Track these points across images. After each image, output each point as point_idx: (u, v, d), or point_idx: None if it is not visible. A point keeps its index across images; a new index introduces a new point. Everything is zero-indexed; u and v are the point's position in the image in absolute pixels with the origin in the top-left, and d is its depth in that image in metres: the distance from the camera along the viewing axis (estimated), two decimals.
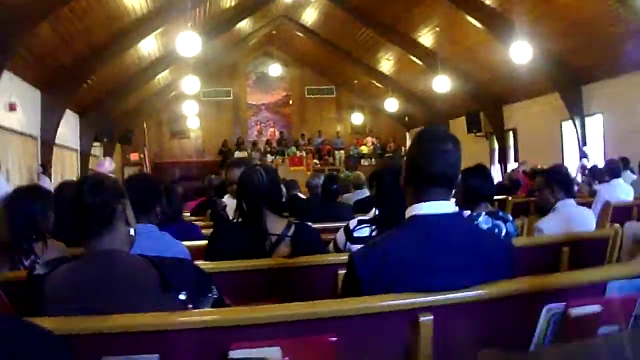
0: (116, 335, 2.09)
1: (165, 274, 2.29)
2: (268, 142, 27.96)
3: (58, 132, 15.68)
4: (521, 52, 13.77)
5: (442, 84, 18.38)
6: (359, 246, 3.22)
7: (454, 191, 4.43)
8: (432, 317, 2.23)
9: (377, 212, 3.85)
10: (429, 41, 19.20)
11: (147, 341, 2.10)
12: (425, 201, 2.41)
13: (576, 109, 16.31)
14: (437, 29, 18.12)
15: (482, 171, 4.49)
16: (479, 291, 2.31)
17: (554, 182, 4.84)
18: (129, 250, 2.47)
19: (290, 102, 29.72)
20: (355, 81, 26.68)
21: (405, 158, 2.56)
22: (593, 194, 9.17)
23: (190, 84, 17.84)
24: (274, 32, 25.96)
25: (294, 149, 26.82)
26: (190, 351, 2.15)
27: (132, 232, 2.48)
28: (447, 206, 2.43)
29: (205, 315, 2.20)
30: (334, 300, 2.33)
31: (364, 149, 28.30)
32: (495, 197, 9.85)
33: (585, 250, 4.22)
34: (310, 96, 29.73)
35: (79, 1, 12.24)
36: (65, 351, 1.51)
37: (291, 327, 2.18)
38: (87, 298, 2.22)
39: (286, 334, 2.16)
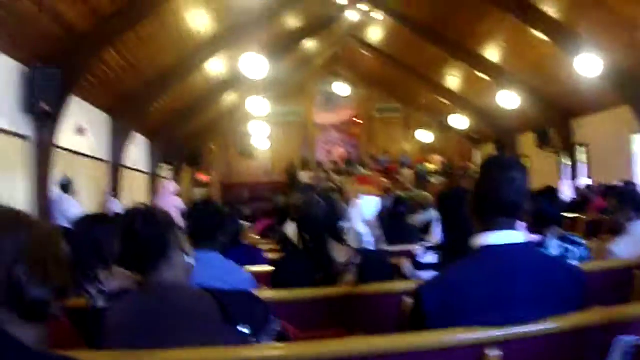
0: None
1: (225, 305, 2.26)
2: (335, 163, 27.84)
3: (128, 155, 15.94)
4: (589, 64, 13.48)
5: (508, 99, 18.10)
6: (426, 273, 3.15)
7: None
8: (499, 352, 2.16)
9: (442, 239, 3.77)
10: (494, 56, 18.95)
11: None
12: (493, 230, 2.35)
13: None
14: (503, 44, 17.90)
15: (550, 194, 4.36)
16: (548, 325, 2.23)
17: (624, 201, 4.68)
18: (186, 278, 2.45)
19: (359, 121, 29.63)
20: (423, 100, 26.47)
21: (473, 187, 2.48)
22: None
23: (258, 104, 18.00)
24: (339, 51, 26.00)
25: (361, 168, 26.65)
26: None
27: (187, 259, 2.46)
28: (516, 236, 2.36)
29: (266, 350, 2.16)
30: (401, 335, 2.27)
31: (430, 167, 27.99)
32: (567, 216, 9.67)
33: None
34: (378, 115, 29.67)
35: (144, 26, 12.44)
36: None
37: None
38: (146, 332, 2.23)
39: None
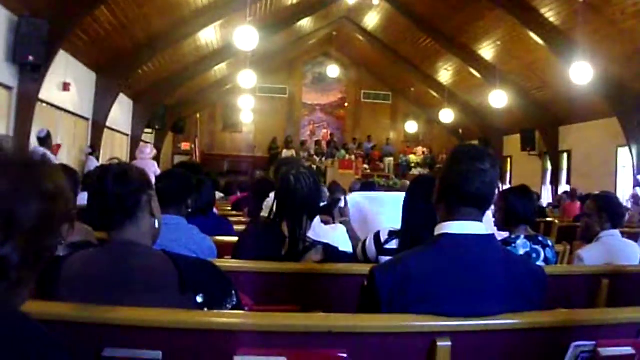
0: (121, 328, 2.05)
1: (184, 273, 2.23)
2: (317, 143, 27.74)
3: (110, 115, 15.86)
4: (582, 72, 13.47)
5: (499, 98, 18.13)
6: (386, 258, 3.12)
7: (492, 211, 4.33)
8: (450, 343, 2.13)
9: (403, 224, 3.73)
10: (489, 55, 18.95)
11: (151, 337, 2.05)
12: (456, 220, 2.31)
13: (634, 136, 15.91)
14: (499, 43, 17.89)
15: (524, 193, 4.34)
16: (503, 320, 2.20)
17: (604, 210, 4.66)
18: (152, 242, 2.42)
19: (346, 104, 29.60)
20: (412, 89, 26.47)
21: (440, 174, 2.45)
22: None
23: (247, 78, 17.85)
24: (334, 33, 25.91)
25: (343, 152, 26.59)
26: (195, 352, 2.10)
27: (156, 224, 2.42)
28: (479, 227, 2.32)
29: (212, 317, 2.14)
30: (348, 315, 2.23)
31: (413, 158, 28.05)
32: (542, 220, 9.69)
33: (626, 285, 4.03)
34: (366, 100, 29.62)
35: None
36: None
37: (301, 338, 2.11)
38: (100, 287, 2.19)
39: (295, 344, 2.08)
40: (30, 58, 10.29)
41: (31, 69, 10.56)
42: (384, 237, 3.80)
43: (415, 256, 2.32)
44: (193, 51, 18.42)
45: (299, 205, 3.51)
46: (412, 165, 27.70)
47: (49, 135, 11.05)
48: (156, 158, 14.03)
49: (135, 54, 15.35)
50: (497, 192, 2.48)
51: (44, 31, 10.26)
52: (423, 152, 28.45)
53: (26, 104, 10.83)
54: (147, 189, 2.37)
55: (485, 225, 2.38)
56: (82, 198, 4.14)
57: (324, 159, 25.64)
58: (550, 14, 14.77)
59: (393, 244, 3.72)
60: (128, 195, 2.28)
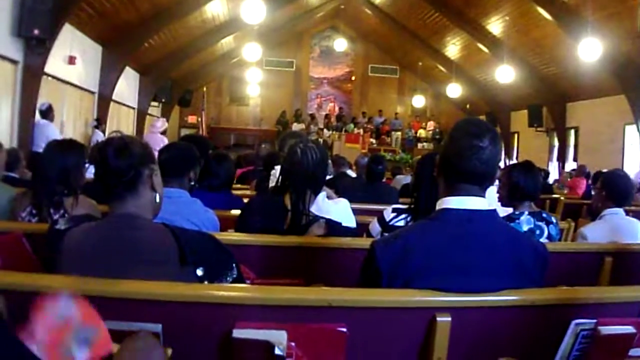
0: (121, 300, 2.06)
1: (184, 246, 2.23)
2: (327, 117, 27.67)
3: (117, 89, 15.88)
4: (590, 49, 13.40)
5: (506, 74, 18.05)
6: None
7: (497, 187, 4.31)
8: (449, 318, 2.13)
9: (412, 201, 3.73)
10: (497, 29, 18.82)
11: (151, 310, 2.06)
12: (456, 195, 2.30)
13: None
14: (507, 17, 17.75)
15: (528, 168, 4.30)
16: (504, 297, 2.19)
17: (608, 189, 4.64)
18: (153, 217, 2.41)
19: (353, 78, 29.48)
20: (420, 63, 26.35)
21: (441, 148, 2.43)
22: None
23: (253, 51, 17.81)
24: (342, 6, 25.78)
25: (352, 125, 26.52)
26: (194, 325, 2.11)
27: (157, 199, 2.42)
28: (480, 202, 2.30)
29: (211, 290, 2.14)
30: (348, 289, 2.23)
31: (422, 133, 27.95)
32: (548, 196, 9.68)
33: (630, 264, 4.02)
34: (374, 74, 29.48)
35: None
36: None
37: (300, 312, 2.12)
38: (100, 260, 2.20)
39: (295, 318, 2.09)
40: (36, 32, 10.27)
41: (36, 43, 10.55)
42: (388, 216, 3.80)
43: (416, 230, 2.32)
44: (199, 24, 18.35)
45: (303, 179, 3.49)
46: (419, 139, 27.58)
47: (50, 108, 11.10)
48: (164, 132, 14.00)
49: (141, 27, 15.31)
50: (499, 168, 2.46)
51: (49, 4, 10.24)
52: (434, 127, 28.29)
53: (32, 77, 10.84)
54: (148, 162, 2.36)
55: (489, 201, 2.37)
56: (90, 171, 4.15)
57: (333, 132, 25.55)
58: None
59: (400, 221, 3.72)
60: (128, 168, 2.27)
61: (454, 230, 2.25)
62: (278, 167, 4.87)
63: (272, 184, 5.10)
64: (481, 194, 2.32)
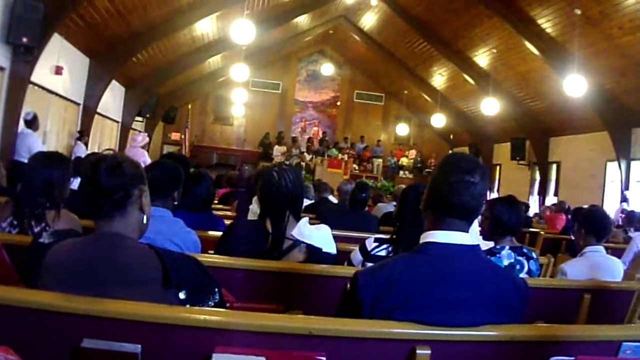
0: (101, 319, 2.04)
1: (169, 269, 2.22)
2: (310, 140, 27.71)
3: (102, 101, 15.82)
4: (576, 85, 13.55)
5: (491, 106, 18.24)
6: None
7: (478, 221, 4.33)
8: (429, 351, 2.13)
9: (394, 230, 3.73)
10: (484, 62, 19.00)
11: (131, 330, 2.04)
12: (442, 230, 2.31)
13: (623, 151, 15.99)
14: (494, 51, 17.93)
15: (511, 203, 4.33)
16: (483, 332, 2.19)
17: (587, 226, 4.68)
18: (138, 237, 2.39)
19: (339, 103, 29.64)
20: (406, 92, 26.59)
21: (429, 182, 2.43)
22: (628, 240, 8.91)
23: (241, 71, 17.85)
24: (330, 31, 25.96)
25: (334, 150, 26.58)
26: (174, 348, 2.09)
27: (145, 220, 2.40)
28: (464, 237, 2.31)
29: (192, 313, 2.13)
30: (329, 319, 2.22)
31: (404, 161, 28.07)
32: (528, 230, 9.72)
33: (608, 301, 4.05)
34: (359, 101, 29.71)
35: None
36: None
37: (280, 339, 2.10)
38: (84, 278, 2.17)
39: (275, 345, 2.08)
40: (24, 39, 10.23)
41: (24, 51, 10.50)
42: (370, 245, 3.81)
43: (400, 262, 2.32)
44: (188, 42, 18.38)
45: (284, 200, 3.51)
46: (401, 167, 27.67)
47: (35, 117, 11.04)
48: (145, 146, 13.96)
49: (130, 41, 15.30)
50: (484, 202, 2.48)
51: (39, 13, 10.22)
52: (415, 155, 28.40)
53: (17, 85, 10.78)
54: (139, 183, 2.34)
55: (471, 234, 2.38)
56: (76, 184, 4.12)
57: (314, 156, 25.57)
58: (547, 25, 14.82)
59: (382, 251, 3.72)
60: (119, 187, 2.26)
61: (438, 265, 2.25)
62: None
63: (253, 205, 5.11)
64: (466, 229, 2.33)
